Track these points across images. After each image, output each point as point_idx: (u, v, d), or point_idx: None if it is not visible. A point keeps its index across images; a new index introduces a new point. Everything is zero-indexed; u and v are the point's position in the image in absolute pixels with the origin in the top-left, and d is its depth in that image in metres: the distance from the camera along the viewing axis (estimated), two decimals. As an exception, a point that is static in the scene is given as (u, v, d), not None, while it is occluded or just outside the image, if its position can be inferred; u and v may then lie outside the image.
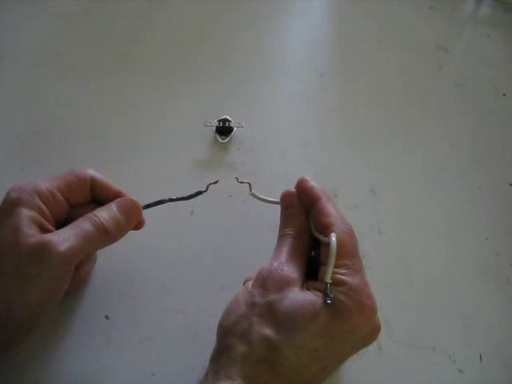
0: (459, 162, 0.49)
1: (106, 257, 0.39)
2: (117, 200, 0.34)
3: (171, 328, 0.36)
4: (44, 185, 0.32)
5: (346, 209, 0.43)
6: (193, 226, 0.42)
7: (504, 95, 0.56)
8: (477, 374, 0.35)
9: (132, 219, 0.34)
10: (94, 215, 0.32)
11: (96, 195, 0.35)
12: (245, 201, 0.44)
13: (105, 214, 0.33)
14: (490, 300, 0.39)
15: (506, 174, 0.48)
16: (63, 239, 0.30)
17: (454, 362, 0.35)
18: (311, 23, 0.65)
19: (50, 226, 0.32)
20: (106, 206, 0.34)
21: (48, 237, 0.30)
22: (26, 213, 0.30)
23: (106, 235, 0.32)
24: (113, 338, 0.36)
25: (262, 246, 0.40)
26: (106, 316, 0.37)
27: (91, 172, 0.35)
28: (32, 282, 0.29)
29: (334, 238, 0.29)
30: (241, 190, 0.44)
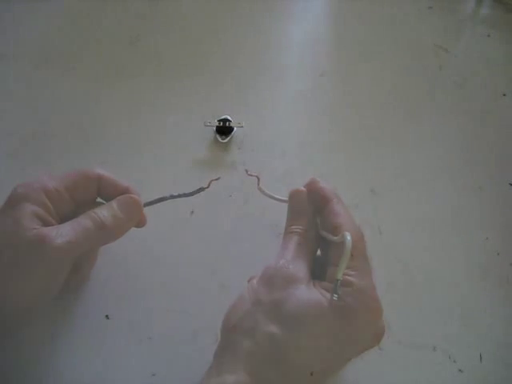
0: (459, 162, 0.49)
1: (106, 256, 0.39)
2: (118, 197, 0.34)
3: (171, 328, 0.36)
4: (51, 183, 0.33)
5: (346, 209, 0.43)
6: (193, 226, 0.42)
7: (504, 95, 0.56)
8: (477, 373, 0.35)
9: (132, 216, 0.34)
10: (94, 212, 0.32)
11: (104, 193, 0.35)
12: (245, 201, 0.44)
13: (104, 211, 0.33)
14: (490, 300, 0.39)
15: (506, 173, 0.48)
16: (61, 233, 0.30)
17: (454, 361, 0.35)
18: (311, 23, 0.65)
19: (54, 223, 0.32)
20: (107, 203, 0.34)
21: (46, 230, 0.30)
22: (30, 207, 0.31)
23: (105, 232, 0.32)
24: (113, 337, 0.36)
25: (262, 246, 0.40)
26: (106, 316, 0.37)
27: (99, 171, 0.35)
28: (28, 274, 0.29)
29: (348, 237, 0.29)
30: (241, 190, 0.44)
